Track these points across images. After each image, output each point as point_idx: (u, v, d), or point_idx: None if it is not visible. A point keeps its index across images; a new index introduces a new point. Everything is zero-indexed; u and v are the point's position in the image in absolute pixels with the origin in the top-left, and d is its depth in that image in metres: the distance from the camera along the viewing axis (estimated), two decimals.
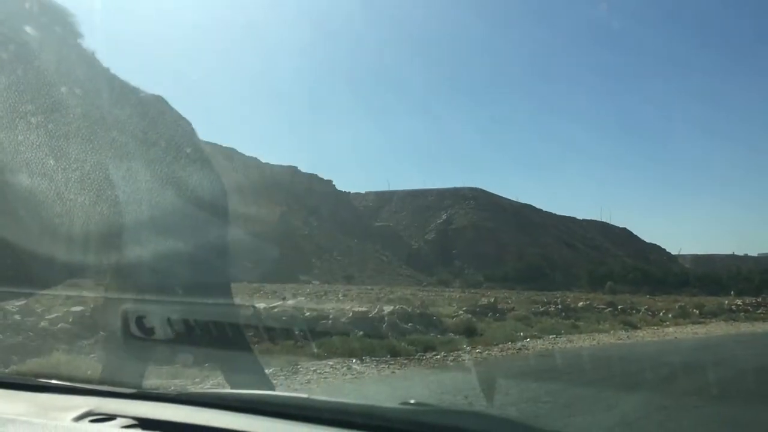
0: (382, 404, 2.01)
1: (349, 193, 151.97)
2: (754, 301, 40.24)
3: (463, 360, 10.71)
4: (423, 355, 10.81)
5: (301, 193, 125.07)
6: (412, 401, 1.93)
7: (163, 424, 1.79)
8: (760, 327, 23.69)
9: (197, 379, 7.48)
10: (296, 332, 11.29)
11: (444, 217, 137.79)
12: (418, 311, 15.26)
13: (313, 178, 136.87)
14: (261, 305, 13.56)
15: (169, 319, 4.69)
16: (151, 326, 4.44)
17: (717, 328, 21.84)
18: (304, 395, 2.14)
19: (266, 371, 7.66)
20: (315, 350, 10.23)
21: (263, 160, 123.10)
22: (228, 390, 2.19)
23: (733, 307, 33.29)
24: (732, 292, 60.45)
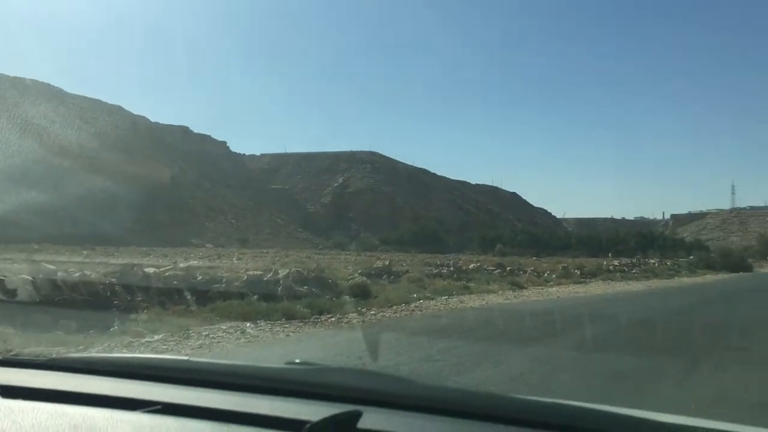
0: (266, 364, 1.98)
1: (244, 155, 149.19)
2: (629, 261, 43.09)
3: (358, 322, 10.84)
4: (318, 318, 10.85)
5: (194, 155, 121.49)
6: (297, 360, 1.92)
7: (27, 391, 1.68)
8: (634, 286, 25.38)
9: (81, 347, 7.17)
10: (188, 296, 11.04)
11: (340, 180, 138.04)
12: (313, 274, 15.25)
13: (206, 139, 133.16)
14: (151, 269, 13.13)
15: (33, 280, 4.41)
16: (13, 287, 4.17)
17: (596, 288, 23.18)
18: (184, 357, 2.06)
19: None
20: (207, 314, 10.05)
21: (152, 119, 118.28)
22: (100, 354, 2.07)
23: (611, 267, 35.48)
24: (610, 254, 64.42)
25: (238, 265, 23.27)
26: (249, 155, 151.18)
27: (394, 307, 13.12)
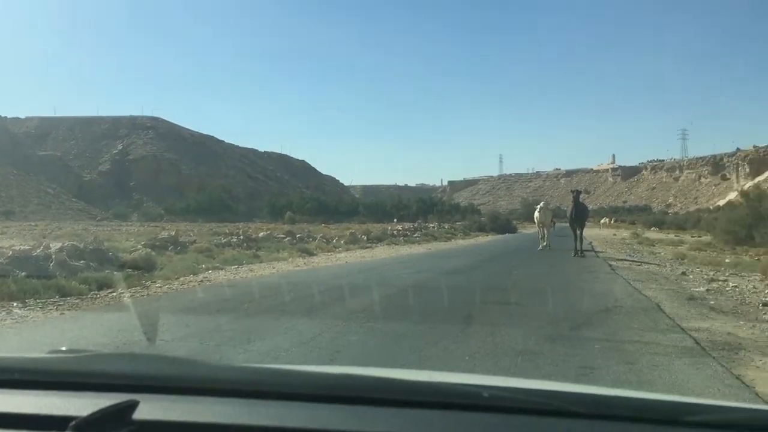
0: (26, 354, 1.77)
1: (6, 117, 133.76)
2: (411, 226, 45.59)
3: (142, 296, 10.33)
4: (97, 294, 10.16)
5: None
6: (63, 348, 1.74)
7: None
8: (416, 249, 26.91)
9: None
10: None
11: (120, 146, 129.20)
12: (91, 247, 14.22)
13: None
14: None
15: None
16: None
17: (381, 252, 24.22)
18: None
19: None
20: None
21: None
22: None
23: (395, 232, 37.28)
24: (395, 219, 67.65)
25: (1, 240, 20.99)
26: (12, 118, 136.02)
27: (182, 279, 12.70)
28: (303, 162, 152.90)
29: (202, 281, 12.63)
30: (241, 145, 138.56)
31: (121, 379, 1.47)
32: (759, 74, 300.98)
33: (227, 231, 29.85)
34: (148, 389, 1.41)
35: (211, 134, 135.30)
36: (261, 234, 27.54)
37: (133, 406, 1.32)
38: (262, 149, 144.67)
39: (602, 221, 72.94)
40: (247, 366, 1.79)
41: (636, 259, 19.83)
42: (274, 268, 16.17)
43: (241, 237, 24.98)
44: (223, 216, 63.96)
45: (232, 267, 15.76)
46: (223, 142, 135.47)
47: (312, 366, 1.65)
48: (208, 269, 14.75)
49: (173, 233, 22.82)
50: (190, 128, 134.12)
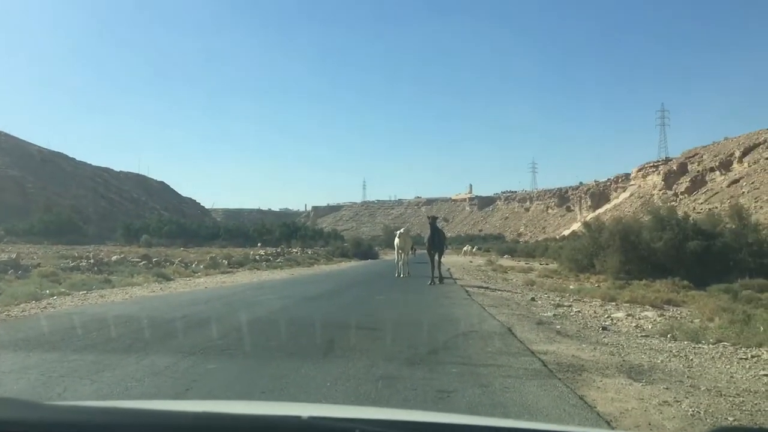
0: None
1: None
2: (274, 251, 45.08)
3: None
4: None
5: None
6: None
7: None
8: (278, 274, 26.61)
9: None
10: None
11: None
12: None
13: None
14: None
15: None
16: None
17: (243, 277, 23.74)
18: None
19: None
20: None
21: None
22: None
23: (257, 257, 36.70)
24: (258, 244, 66.52)
25: None
26: None
27: (23, 306, 11.78)
28: (162, 183, 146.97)
29: (45, 308, 11.78)
30: (95, 163, 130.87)
31: None
32: (598, 114, 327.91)
33: (76, 254, 28.04)
34: None
35: (61, 151, 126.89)
36: (114, 257, 26.17)
37: None
38: (118, 168, 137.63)
39: (465, 249, 76.88)
40: (91, 406, 1.63)
41: (490, 286, 20.69)
42: (127, 293, 15.39)
43: (92, 260, 23.60)
44: (73, 238, 59.84)
45: (81, 293, 14.85)
46: (74, 159, 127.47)
47: (166, 401, 1.56)
48: (53, 295, 13.82)
49: (14, 256, 21.26)
50: (38, 144, 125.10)
